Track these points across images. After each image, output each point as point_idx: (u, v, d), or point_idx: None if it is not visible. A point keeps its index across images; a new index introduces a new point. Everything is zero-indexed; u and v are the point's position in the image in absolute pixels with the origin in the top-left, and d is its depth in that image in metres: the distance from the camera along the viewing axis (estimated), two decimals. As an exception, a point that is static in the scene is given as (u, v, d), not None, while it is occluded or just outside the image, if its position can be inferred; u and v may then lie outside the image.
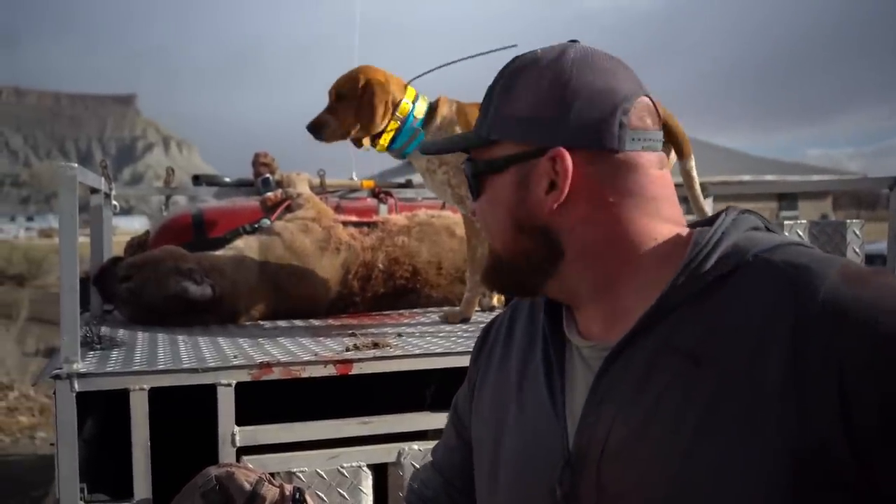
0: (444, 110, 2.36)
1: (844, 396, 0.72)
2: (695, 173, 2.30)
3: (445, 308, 2.61)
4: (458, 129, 2.31)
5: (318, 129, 2.37)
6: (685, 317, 0.82)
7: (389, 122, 2.33)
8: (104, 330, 2.19)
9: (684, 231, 0.90)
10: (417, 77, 2.43)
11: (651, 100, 0.92)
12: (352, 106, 2.32)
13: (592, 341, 0.91)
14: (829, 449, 0.72)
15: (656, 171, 0.90)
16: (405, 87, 2.39)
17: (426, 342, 2.05)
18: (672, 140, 2.19)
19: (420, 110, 2.36)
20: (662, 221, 0.89)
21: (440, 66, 2.44)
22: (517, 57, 0.95)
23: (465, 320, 2.40)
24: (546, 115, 0.88)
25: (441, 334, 2.19)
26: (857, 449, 0.72)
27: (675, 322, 0.83)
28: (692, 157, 2.29)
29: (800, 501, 0.73)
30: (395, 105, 2.33)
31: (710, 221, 0.90)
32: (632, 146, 0.88)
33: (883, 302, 0.74)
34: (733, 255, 0.83)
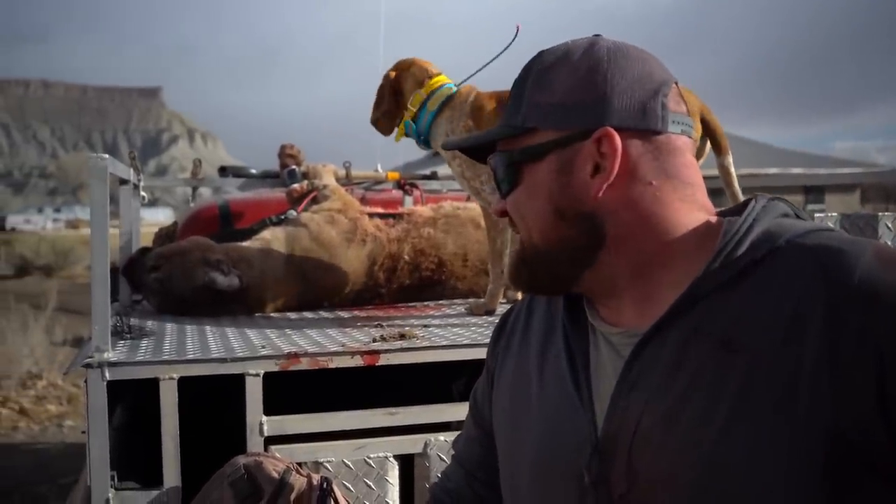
0: (457, 100, 2.35)
1: (882, 379, 0.71)
2: (733, 169, 2.25)
3: (471, 300, 2.60)
4: (467, 121, 2.31)
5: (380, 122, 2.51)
6: (717, 303, 0.82)
7: (404, 112, 2.37)
8: (133, 320, 2.21)
9: (714, 219, 0.90)
10: (470, 76, 2.44)
11: (678, 87, 0.93)
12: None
13: (621, 328, 0.91)
14: (865, 432, 0.72)
15: (691, 156, 0.91)
16: (429, 77, 2.39)
17: (452, 334, 2.05)
18: (710, 134, 2.14)
19: (437, 100, 2.35)
20: (697, 208, 0.89)
21: (489, 62, 2.44)
22: (544, 51, 0.95)
23: (490, 312, 2.39)
24: (588, 98, 0.88)
25: (467, 326, 2.19)
26: (894, 433, 0.71)
27: (707, 308, 0.82)
28: (730, 152, 2.23)
29: (834, 485, 0.73)
30: (397, 91, 2.41)
31: (738, 210, 0.90)
32: (673, 128, 0.88)
33: None
34: (765, 241, 0.83)
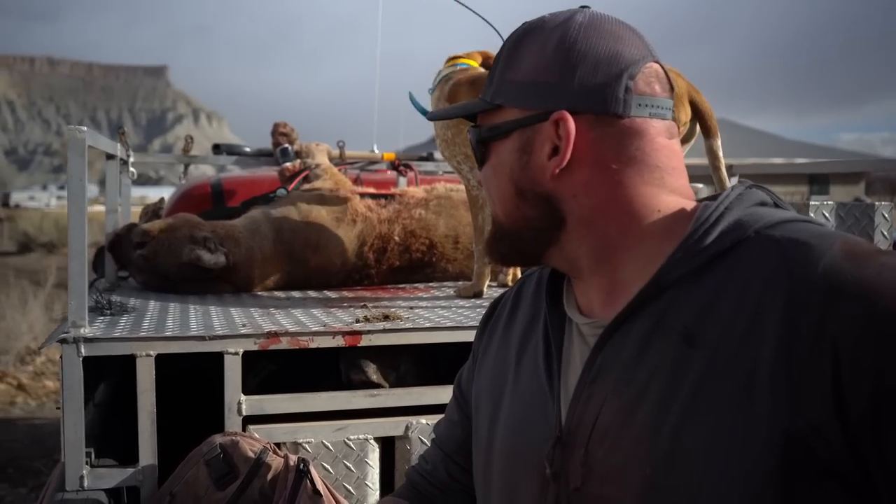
0: (447, 81, 2.33)
1: (838, 379, 0.68)
2: (720, 152, 2.23)
3: (460, 283, 2.58)
4: (444, 102, 2.30)
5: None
6: (682, 294, 0.79)
7: None
8: (115, 296, 2.18)
9: (690, 205, 0.86)
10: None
11: (662, 67, 0.89)
12: None
13: (592, 318, 0.89)
14: (821, 434, 0.68)
15: (664, 139, 0.87)
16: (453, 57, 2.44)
17: (438, 316, 2.02)
18: (698, 117, 2.13)
19: (436, 78, 2.37)
20: (667, 192, 0.86)
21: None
22: (525, 22, 0.92)
23: (479, 294, 2.36)
24: (549, 79, 0.86)
25: (454, 308, 2.16)
26: (850, 435, 0.67)
27: (672, 299, 0.79)
28: (718, 135, 2.21)
29: (788, 487, 0.70)
30: None
31: (717, 196, 0.86)
32: (638, 112, 0.85)
33: (882, 280, 0.69)
34: (735, 230, 0.80)
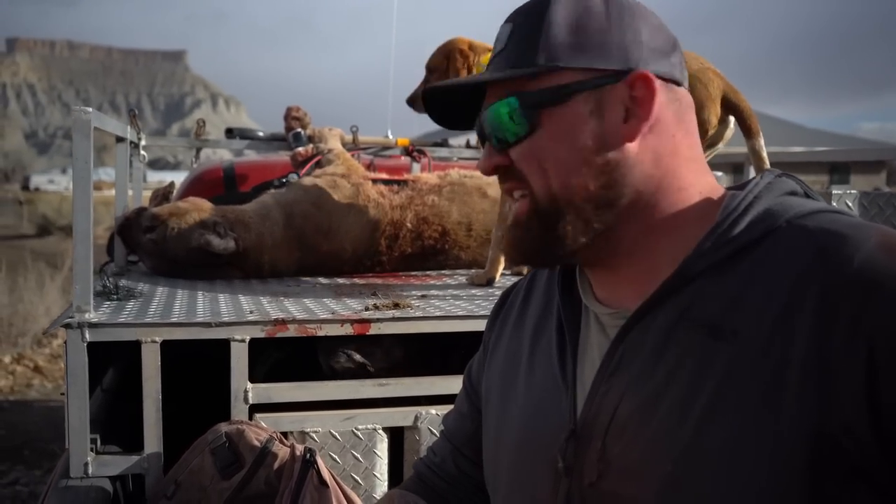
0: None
1: (872, 376, 0.64)
2: (765, 153, 2.05)
3: (473, 270, 2.53)
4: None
5: (413, 101, 2.54)
6: (708, 285, 0.75)
7: None
8: (123, 281, 2.16)
9: (720, 190, 0.84)
10: None
11: None
12: (440, 77, 2.47)
13: (613, 307, 0.85)
14: (851, 432, 0.65)
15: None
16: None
17: (449, 304, 1.99)
18: (739, 116, 1.99)
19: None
20: (706, 173, 0.84)
21: None
22: None
23: (491, 282, 2.32)
24: (621, 39, 0.81)
25: (466, 297, 2.12)
26: (883, 436, 0.64)
27: (698, 290, 0.76)
28: (761, 134, 2.06)
29: (816, 487, 0.66)
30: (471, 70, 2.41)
31: (745, 185, 0.83)
32: (684, 84, 0.84)
33: None
34: (764, 220, 0.76)
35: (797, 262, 0.72)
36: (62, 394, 1.69)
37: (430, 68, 2.53)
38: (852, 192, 2.28)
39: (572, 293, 0.91)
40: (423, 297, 2.10)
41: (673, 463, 0.72)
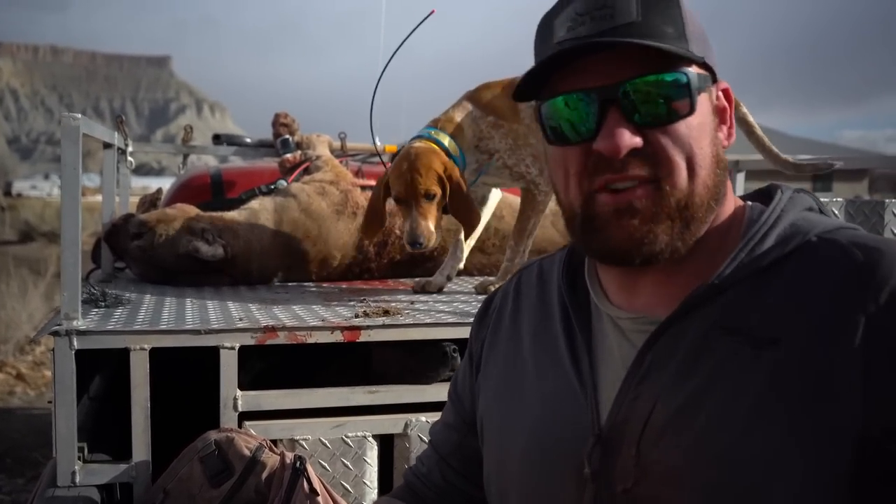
0: (461, 128, 2.24)
1: None
2: (751, 118, 2.28)
3: (480, 278, 2.53)
4: (487, 118, 2.22)
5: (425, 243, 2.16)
6: (742, 296, 0.77)
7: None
8: (112, 288, 2.14)
9: (737, 200, 0.86)
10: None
11: None
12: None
13: (630, 311, 0.85)
14: (894, 436, 0.68)
15: None
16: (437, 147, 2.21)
17: (438, 311, 1.99)
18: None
19: (452, 146, 2.21)
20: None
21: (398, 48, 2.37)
22: None
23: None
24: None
25: (454, 304, 2.12)
26: None
27: (731, 301, 0.78)
28: (741, 104, 2.23)
29: (859, 491, 0.69)
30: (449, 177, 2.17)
31: (757, 196, 0.86)
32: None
33: None
34: (793, 235, 0.79)
35: (835, 274, 0.74)
36: (49, 402, 1.67)
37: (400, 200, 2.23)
38: (838, 200, 2.31)
39: (578, 297, 0.91)
40: (412, 303, 2.10)
41: (716, 469, 0.73)
